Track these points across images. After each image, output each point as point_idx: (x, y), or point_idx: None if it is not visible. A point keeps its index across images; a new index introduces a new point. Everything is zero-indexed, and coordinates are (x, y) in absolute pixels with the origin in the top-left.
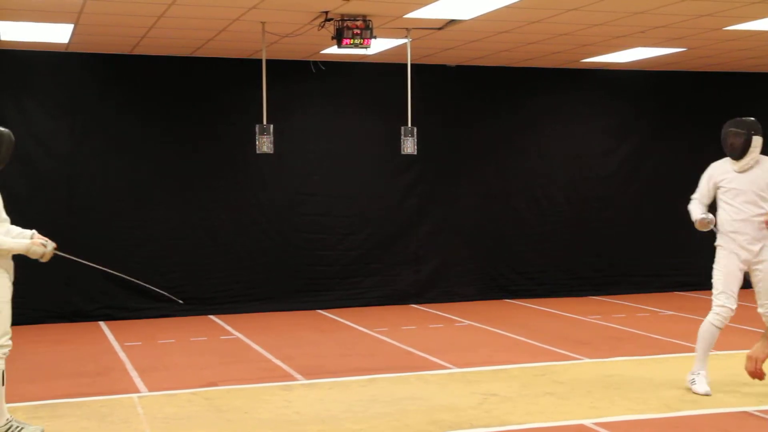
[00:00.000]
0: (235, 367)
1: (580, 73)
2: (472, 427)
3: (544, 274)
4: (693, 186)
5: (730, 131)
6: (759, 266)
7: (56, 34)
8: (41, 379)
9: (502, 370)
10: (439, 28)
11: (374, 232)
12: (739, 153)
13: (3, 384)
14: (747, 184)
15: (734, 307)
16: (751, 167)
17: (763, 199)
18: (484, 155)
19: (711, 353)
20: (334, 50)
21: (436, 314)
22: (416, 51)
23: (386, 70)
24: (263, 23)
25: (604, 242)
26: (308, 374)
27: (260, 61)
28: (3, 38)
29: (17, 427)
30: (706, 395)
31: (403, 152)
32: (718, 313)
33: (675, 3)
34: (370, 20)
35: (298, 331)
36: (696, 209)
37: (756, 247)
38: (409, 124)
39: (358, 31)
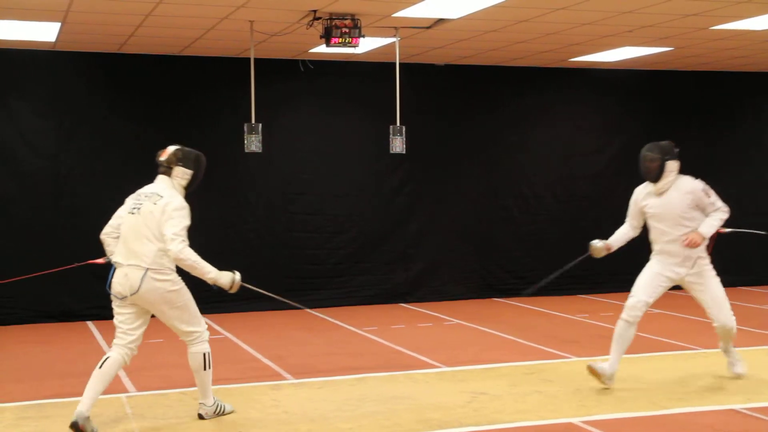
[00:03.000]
0: (225, 366)
1: (569, 72)
2: (461, 425)
3: (533, 272)
4: None
5: (645, 155)
6: (696, 284)
7: (43, 32)
8: (30, 379)
9: (491, 369)
10: (428, 27)
11: (363, 231)
12: (654, 177)
13: (210, 367)
14: (666, 206)
15: (648, 300)
16: (668, 189)
17: (685, 218)
18: (472, 154)
19: (704, 351)
20: (322, 49)
21: (426, 313)
22: (405, 50)
23: (375, 69)
24: (251, 22)
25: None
26: (297, 373)
27: (249, 59)
28: None
29: (221, 405)
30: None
31: (391, 151)
32: (631, 307)
33: (662, 2)
34: (358, 19)
35: (287, 330)
36: (616, 235)
37: (683, 270)
38: (398, 123)
39: (347, 30)
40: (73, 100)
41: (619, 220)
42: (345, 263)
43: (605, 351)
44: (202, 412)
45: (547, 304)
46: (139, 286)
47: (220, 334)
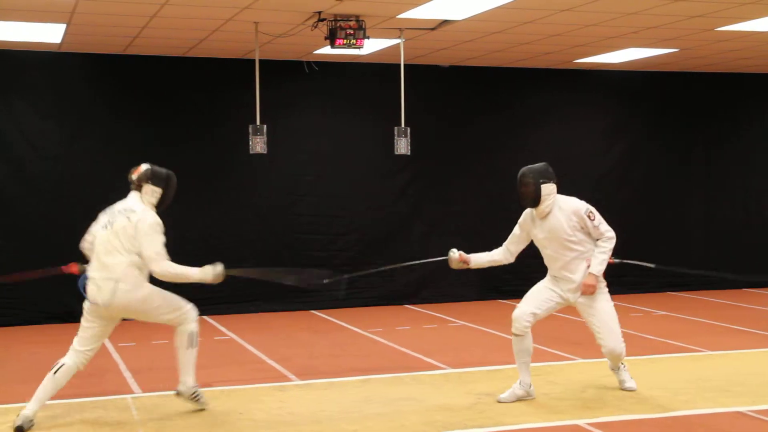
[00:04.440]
0: (230, 367)
1: (573, 74)
2: (466, 427)
3: (538, 274)
4: (686, 186)
5: (521, 180)
6: (587, 306)
7: (48, 33)
8: (35, 380)
9: (496, 371)
10: (432, 29)
11: (368, 233)
12: (530, 202)
13: (195, 346)
14: (550, 231)
15: (534, 312)
16: (550, 212)
17: (571, 242)
18: (477, 155)
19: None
20: (327, 50)
21: (431, 315)
22: (409, 51)
23: (379, 71)
24: (256, 23)
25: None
26: (303, 375)
27: (253, 61)
28: None
29: (199, 393)
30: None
31: (396, 152)
32: (515, 319)
33: (667, 4)
34: (363, 20)
35: (292, 331)
36: (483, 255)
37: (575, 295)
38: (403, 125)
39: (351, 32)
40: (78, 102)
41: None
42: (350, 265)
43: None
44: (182, 389)
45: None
46: (111, 298)
47: (225, 335)
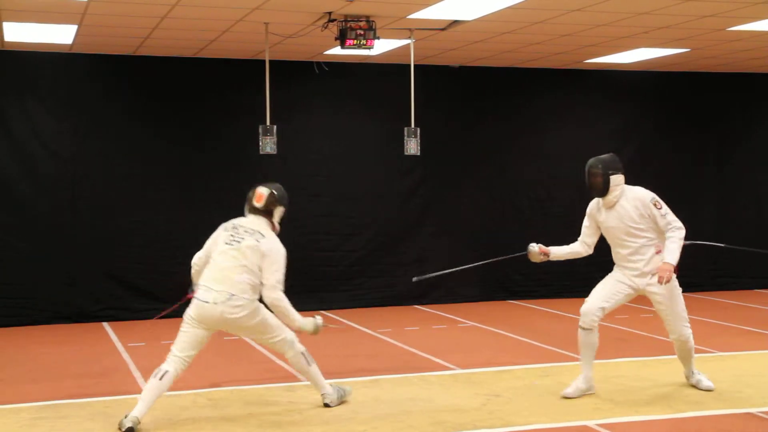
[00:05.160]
0: (239, 367)
1: (584, 74)
2: (475, 428)
3: (548, 275)
4: (698, 187)
5: (590, 171)
6: (657, 295)
7: (60, 35)
8: (45, 380)
9: (505, 371)
10: (443, 29)
11: (378, 233)
12: (599, 192)
13: (312, 362)
14: (617, 219)
15: (603, 306)
16: (617, 202)
17: (637, 228)
18: (487, 156)
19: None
20: (337, 51)
21: (440, 315)
22: (419, 51)
23: (389, 71)
24: (267, 24)
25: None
26: None
27: (264, 61)
28: (7, 39)
29: (342, 390)
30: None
31: (406, 153)
32: (584, 313)
33: (678, 4)
34: (373, 21)
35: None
36: (562, 248)
37: (644, 280)
38: (413, 125)
39: (362, 32)
40: (90, 102)
41: None
42: (359, 265)
43: (620, 353)
44: (328, 401)
45: (562, 307)
46: (217, 308)
47: (233, 335)
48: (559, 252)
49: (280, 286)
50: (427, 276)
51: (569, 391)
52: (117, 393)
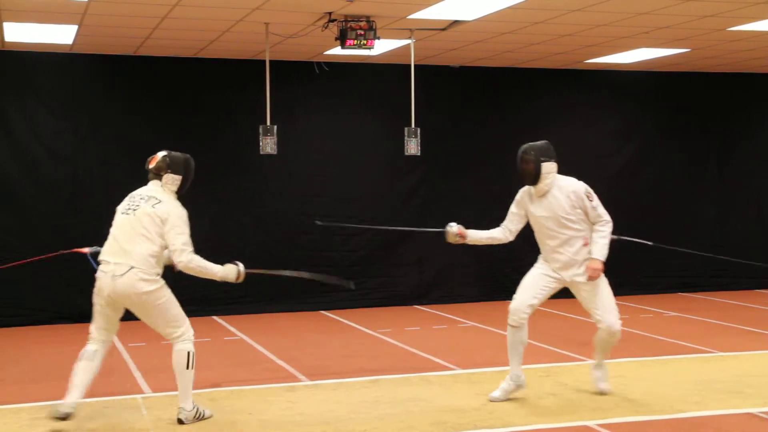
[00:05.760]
0: (239, 368)
1: (584, 74)
2: (476, 428)
3: None
4: (697, 186)
5: (522, 157)
6: (583, 286)
7: (60, 35)
8: (46, 380)
9: (505, 371)
10: (443, 29)
11: (378, 233)
12: (531, 179)
13: (192, 367)
14: (548, 209)
15: (531, 302)
16: (549, 191)
17: (568, 219)
18: (487, 156)
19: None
20: (337, 51)
21: (440, 315)
22: (420, 52)
23: (390, 71)
24: (267, 24)
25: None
26: (312, 375)
27: (264, 61)
28: (7, 39)
29: (201, 410)
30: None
31: (406, 153)
32: (513, 311)
33: (679, 4)
34: (373, 21)
35: (301, 332)
36: (482, 232)
37: (568, 273)
38: (413, 125)
39: (362, 32)
40: (90, 103)
41: (634, 222)
42: (360, 265)
43: (620, 354)
44: (182, 417)
45: (562, 307)
46: (121, 283)
47: (235, 335)
48: (476, 236)
49: (188, 248)
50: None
51: (496, 394)
52: (117, 393)
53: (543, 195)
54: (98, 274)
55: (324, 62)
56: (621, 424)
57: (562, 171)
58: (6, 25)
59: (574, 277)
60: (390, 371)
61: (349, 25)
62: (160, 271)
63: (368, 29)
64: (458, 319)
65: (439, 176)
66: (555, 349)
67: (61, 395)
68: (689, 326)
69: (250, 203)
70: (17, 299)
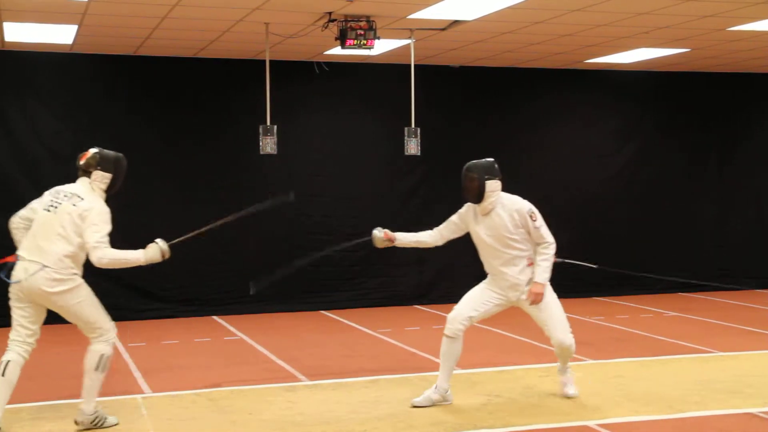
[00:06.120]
0: (239, 368)
1: (584, 74)
2: (476, 428)
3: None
4: (697, 186)
5: (466, 175)
6: (528, 306)
7: (60, 35)
8: (45, 380)
9: (505, 372)
10: (443, 29)
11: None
12: (474, 197)
13: (103, 371)
14: (492, 228)
15: (470, 315)
16: (493, 209)
17: (512, 239)
18: (487, 156)
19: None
20: (337, 51)
21: (440, 315)
22: (420, 52)
23: (390, 71)
24: (267, 24)
25: (607, 243)
26: (312, 375)
27: (264, 61)
28: (7, 39)
29: (102, 417)
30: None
31: (406, 153)
32: (450, 320)
33: (678, 4)
34: (373, 21)
35: (301, 332)
36: (412, 235)
37: (514, 293)
38: (413, 125)
39: (362, 32)
40: (90, 102)
41: (634, 222)
42: (360, 265)
43: (620, 353)
44: (79, 419)
45: (563, 307)
46: (32, 281)
47: (234, 335)
48: (405, 239)
49: (103, 245)
50: (266, 280)
51: (418, 400)
52: (117, 393)
53: (487, 213)
54: (14, 270)
55: (324, 62)
56: (621, 424)
57: (562, 170)
58: (6, 25)
59: (521, 296)
60: (390, 371)
61: (349, 25)
62: (77, 271)
63: (368, 29)
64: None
65: (439, 176)
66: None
67: (60, 395)
68: (689, 326)
69: (250, 202)
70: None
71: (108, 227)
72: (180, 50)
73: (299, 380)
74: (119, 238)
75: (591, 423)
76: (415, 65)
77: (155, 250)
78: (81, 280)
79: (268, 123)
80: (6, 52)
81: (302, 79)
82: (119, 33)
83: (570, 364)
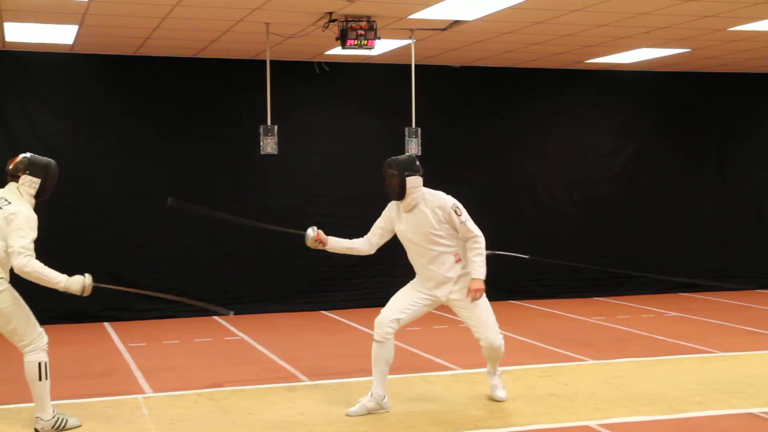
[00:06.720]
0: (240, 368)
1: (585, 74)
2: (476, 428)
3: (549, 275)
4: (698, 186)
5: (386, 172)
6: (460, 301)
7: (61, 35)
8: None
9: (506, 372)
10: (443, 29)
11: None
12: (396, 194)
13: (46, 378)
14: (416, 225)
15: (398, 317)
16: (416, 205)
17: (436, 235)
18: (488, 156)
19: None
20: (338, 51)
21: (441, 315)
22: (420, 52)
23: (390, 71)
24: (267, 24)
25: (608, 243)
26: (313, 375)
27: (264, 62)
28: (8, 39)
29: (63, 419)
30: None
31: (407, 153)
32: (378, 324)
33: (679, 4)
34: (374, 21)
35: (302, 332)
36: (344, 241)
37: (444, 291)
38: (413, 125)
39: (362, 32)
40: (91, 103)
41: (634, 222)
42: (360, 265)
43: (621, 354)
44: (38, 427)
45: (563, 307)
46: None
47: (235, 335)
48: (337, 244)
49: (27, 252)
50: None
51: (353, 410)
52: (118, 393)
53: (410, 210)
54: None
55: (324, 62)
56: (622, 424)
57: (562, 170)
58: (7, 25)
59: (450, 295)
60: (391, 371)
61: (349, 25)
62: (3, 275)
63: (369, 29)
64: (459, 319)
65: (440, 176)
66: (555, 349)
67: (62, 395)
68: (690, 326)
69: (250, 203)
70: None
71: (34, 234)
72: (180, 50)
73: (300, 380)
74: (121, 239)
75: (592, 423)
76: (415, 65)
77: (78, 282)
78: (7, 285)
79: (269, 123)
80: (7, 53)
81: (303, 80)
82: (120, 33)
83: (500, 368)
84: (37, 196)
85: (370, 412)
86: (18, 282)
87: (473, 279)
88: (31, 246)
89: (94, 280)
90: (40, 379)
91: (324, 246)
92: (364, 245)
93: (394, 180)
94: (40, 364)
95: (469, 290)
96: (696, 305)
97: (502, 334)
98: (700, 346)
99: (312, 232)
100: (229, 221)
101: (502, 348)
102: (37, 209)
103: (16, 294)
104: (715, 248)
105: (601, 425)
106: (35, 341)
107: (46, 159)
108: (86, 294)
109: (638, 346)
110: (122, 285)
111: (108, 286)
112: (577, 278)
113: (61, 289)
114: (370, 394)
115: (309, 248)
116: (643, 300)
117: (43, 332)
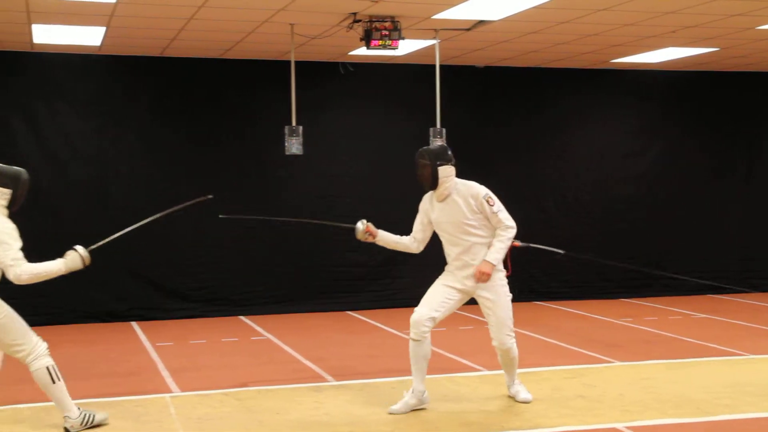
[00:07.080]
0: (266, 368)
1: (610, 74)
2: (502, 429)
3: (575, 276)
4: (723, 187)
5: (418, 162)
6: (485, 299)
7: (88, 36)
8: (74, 379)
9: (532, 373)
10: (468, 29)
11: (404, 234)
12: (429, 184)
13: (59, 379)
14: (449, 214)
15: (433, 315)
16: (449, 195)
17: (469, 225)
18: (512, 156)
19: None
20: (362, 51)
21: (466, 316)
22: (445, 52)
23: (415, 71)
24: (292, 25)
25: (634, 244)
26: (338, 375)
27: (289, 62)
28: (36, 41)
29: (90, 415)
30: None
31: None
32: (414, 323)
33: (706, 2)
34: (398, 21)
35: (328, 332)
36: (394, 236)
37: (473, 284)
38: (438, 125)
39: (387, 33)
40: (118, 103)
41: (660, 222)
42: (385, 266)
43: (648, 356)
44: (68, 425)
45: (590, 308)
46: None
47: (261, 335)
48: (387, 238)
49: (18, 261)
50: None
51: (396, 407)
52: (146, 392)
53: (443, 200)
54: None
55: (349, 63)
56: (650, 426)
57: (587, 170)
58: (35, 27)
59: (477, 288)
60: None
61: (373, 26)
62: None
63: (393, 29)
64: (484, 320)
65: (464, 176)
66: (582, 351)
67: (89, 394)
68: (718, 328)
69: (275, 203)
70: (48, 299)
71: (18, 243)
72: (206, 51)
73: (326, 380)
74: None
75: (619, 425)
76: (440, 65)
77: (75, 258)
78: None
79: (294, 123)
80: (35, 54)
81: (327, 80)
82: (146, 34)
83: (517, 371)
84: (9, 206)
85: (412, 409)
86: (39, 285)
87: (484, 261)
88: (20, 254)
89: (114, 276)
90: (53, 382)
91: (374, 239)
92: (412, 243)
93: (426, 170)
94: (48, 368)
95: (476, 270)
96: (723, 307)
97: (514, 338)
98: (729, 348)
99: (362, 225)
100: (281, 223)
101: (513, 350)
102: (64, 209)
103: (7, 306)
104: (742, 249)
105: (628, 428)
106: (35, 349)
107: (15, 168)
108: (87, 263)
109: (666, 347)
110: (144, 282)
111: (100, 244)
112: (603, 279)
113: (65, 273)
114: (410, 390)
115: (333, 250)
116: (670, 301)
117: (41, 339)
